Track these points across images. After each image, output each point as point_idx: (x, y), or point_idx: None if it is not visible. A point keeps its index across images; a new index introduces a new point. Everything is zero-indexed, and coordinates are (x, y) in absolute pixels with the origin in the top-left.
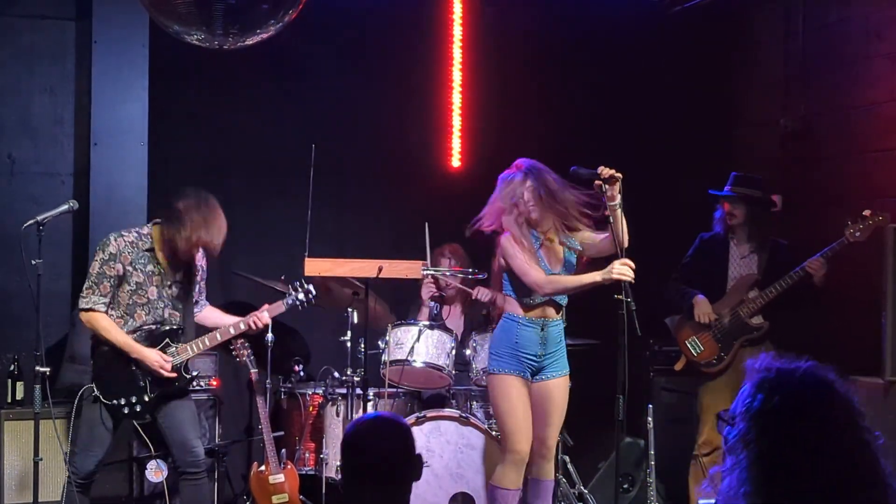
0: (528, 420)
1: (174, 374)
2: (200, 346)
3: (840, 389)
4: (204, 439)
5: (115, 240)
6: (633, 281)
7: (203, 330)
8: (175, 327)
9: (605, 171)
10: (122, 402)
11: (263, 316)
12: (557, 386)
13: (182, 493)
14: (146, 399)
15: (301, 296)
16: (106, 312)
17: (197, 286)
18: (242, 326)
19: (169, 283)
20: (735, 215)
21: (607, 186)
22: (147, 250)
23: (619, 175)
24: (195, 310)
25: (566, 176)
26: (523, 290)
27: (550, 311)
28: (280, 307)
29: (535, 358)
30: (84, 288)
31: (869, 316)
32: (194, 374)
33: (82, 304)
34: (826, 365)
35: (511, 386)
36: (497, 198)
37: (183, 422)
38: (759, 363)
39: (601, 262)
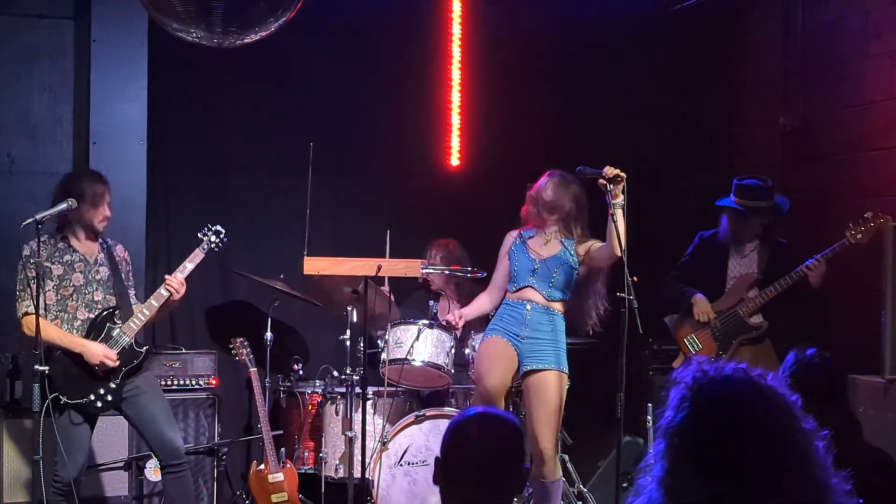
0: (498, 372)
1: (119, 362)
2: (142, 317)
3: (765, 392)
4: (203, 438)
5: (28, 243)
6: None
7: None
8: (111, 309)
9: (610, 171)
10: (92, 397)
11: (178, 275)
12: (544, 379)
13: (165, 488)
14: (112, 386)
15: (213, 237)
16: (43, 315)
17: (126, 279)
18: (173, 283)
19: (94, 267)
20: (750, 227)
21: (611, 186)
22: (62, 240)
23: (623, 175)
24: (131, 302)
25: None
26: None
27: (532, 294)
28: (199, 255)
29: (517, 336)
30: (16, 299)
31: (868, 315)
32: (146, 347)
33: (18, 313)
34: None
35: (489, 342)
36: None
37: (155, 416)
38: (678, 374)
39: None
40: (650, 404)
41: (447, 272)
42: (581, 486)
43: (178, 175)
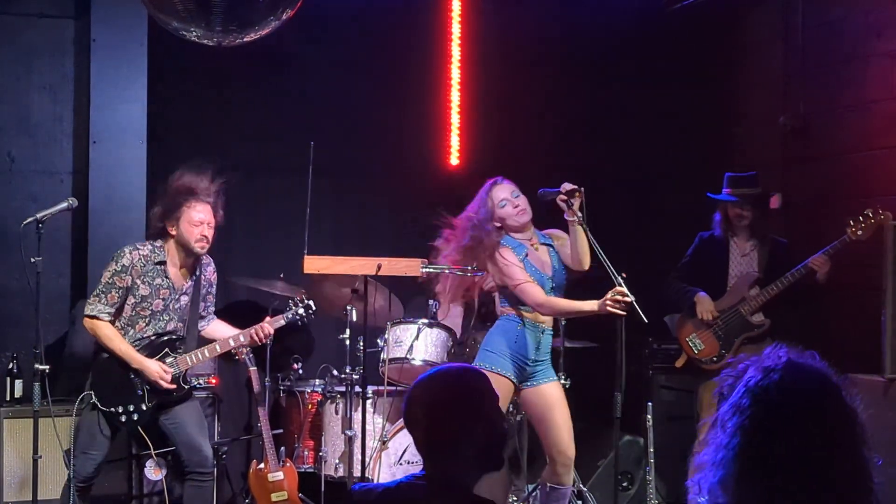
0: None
1: (173, 385)
2: (200, 356)
3: (846, 398)
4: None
5: (130, 252)
6: (626, 313)
7: (205, 341)
8: (175, 338)
9: (566, 186)
10: (120, 409)
11: (265, 328)
12: (551, 388)
13: (185, 494)
14: (143, 408)
15: (301, 310)
16: (111, 322)
17: (203, 300)
18: (242, 339)
19: (177, 296)
20: (744, 216)
21: (572, 201)
22: (158, 263)
23: (579, 189)
24: (202, 324)
25: (535, 195)
26: (516, 300)
27: (547, 317)
28: (280, 321)
29: (528, 362)
30: (91, 295)
31: (869, 313)
32: (193, 384)
33: (88, 310)
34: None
35: (497, 384)
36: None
37: (187, 422)
38: (765, 361)
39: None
40: (650, 403)
41: (447, 271)
42: (581, 486)
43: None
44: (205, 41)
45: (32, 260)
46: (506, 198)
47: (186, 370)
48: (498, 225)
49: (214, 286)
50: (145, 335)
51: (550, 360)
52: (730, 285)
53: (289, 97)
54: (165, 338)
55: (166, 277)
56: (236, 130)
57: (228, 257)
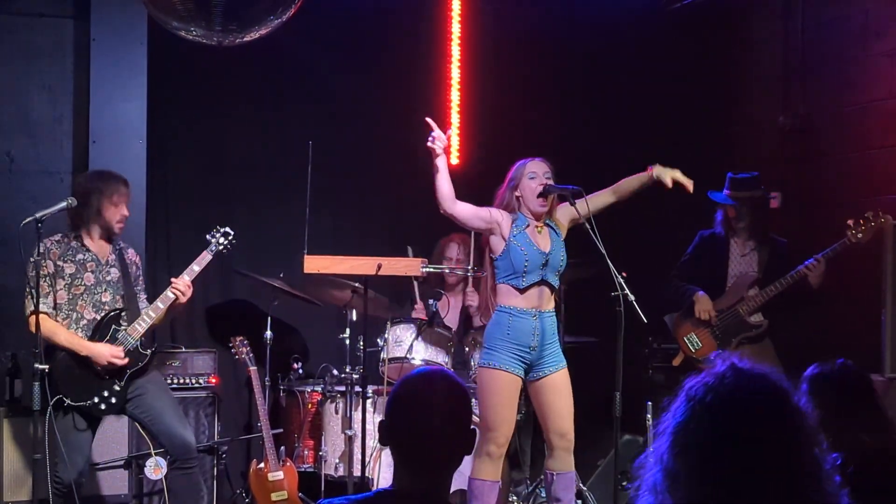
0: (512, 418)
1: (127, 360)
2: (148, 319)
3: (794, 401)
4: (203, 436)
5: (42, 241)
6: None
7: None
8: (117, 311)
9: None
10: (96, 399)
11: (187, 275)
12: (560, 378)
13: (173, 485)
14: (117, 388)
15: (221, 238)
16: (50, 315)
17: (136, 282)
18: (179, 286)
19: (106, 268)
20: (741, 218)
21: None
22: (75, 239)
23: (579, 189)
24: (141, 305)
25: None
26: (510, 269)
27: (544, 300)
28: (206, 256)
29: (528, 351)
30: (24, 297)
31: (868, 313)
32: (153, 349)
33: (26, 311)
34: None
35: (502, 381)
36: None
37: (162, 412)
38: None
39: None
40: (650, 403)
41: (447, 271)
42: (581, 485)
43: (177, 174)
44: (205, 41)
45: (32, 259)
46: (535, 172)
47: (141, 337)
48: (517, 195)
49: (141, 270)
50: (87, 315)
51: (559, 345)
52: (729, 285)
53: (288, 96)
54: (110, 314)
55: (87, 251)
56: (236, 130)
57: (229, 256)
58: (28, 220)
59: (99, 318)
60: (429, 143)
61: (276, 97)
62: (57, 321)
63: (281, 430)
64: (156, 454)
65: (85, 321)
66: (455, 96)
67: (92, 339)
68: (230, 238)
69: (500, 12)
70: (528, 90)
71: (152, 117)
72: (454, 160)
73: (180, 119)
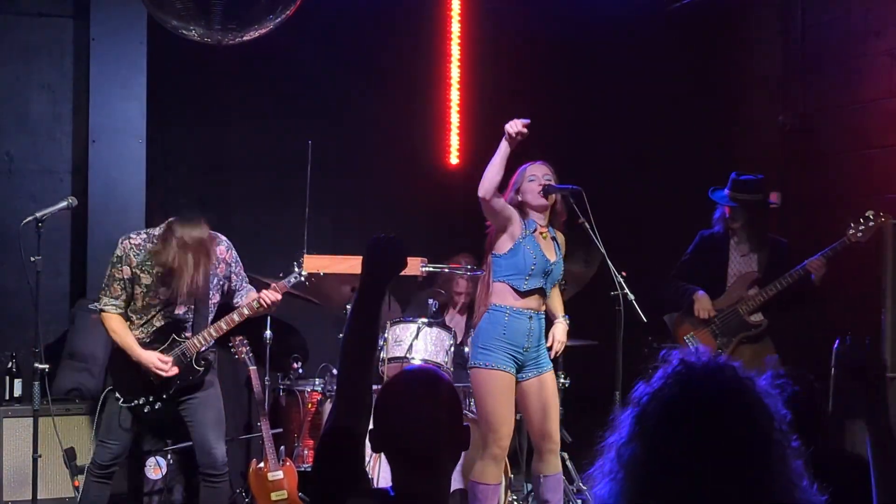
0: (512, 417)
1: (175, 371)
2: (207, 337)
3: (755, 393)
4: None
5: (122, 242)
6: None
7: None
8: (181, 321)
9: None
10: (142, 401)
11: (273, 294)
12: (548, 380)
13: (200, 495)
14: (164, 396)
15: (304, 271)
16: (122, 314)
17: (227, 279)
18: (246, 311)
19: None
20: (736, 219)
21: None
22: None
23: (578, 189)
24: (235, 299)
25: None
26: (513, 269)
27: (538, 301)
28: (284, 286)
29: (521, 351)
30: (99, 290)
31: (868, 312)
32: (204, 366)
33: (99, 305)
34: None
35: (500, 381)
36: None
37: (203, 423)
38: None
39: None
40: None
41: (447, 271)
42: (580, 484)
43: (177, 173)
44: (204, 40)
45: (32, 259)
46: (535, 174)
47: (197, 352)
48: (520, 199)
49: (235, 263)
50: (157, 323)
51: (545, 347)
52: (729, 284)
53: (288, 96)
54: (171, 324)
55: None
56: (235, 129)
57: None
58: (28, 219)
59: (163, 324)
60: (510, 127)
61: (275, 97)
62: (132, 321)
63: (281, 430)
64: (155, 453)
65: (154, 328)
66: (455, 95)
67: (151, 346)
68: (312, 274)
69: (499, 12)
70: (527, 90)
71: (152, 117)
72: (454, 160)
73: (180, 119)
